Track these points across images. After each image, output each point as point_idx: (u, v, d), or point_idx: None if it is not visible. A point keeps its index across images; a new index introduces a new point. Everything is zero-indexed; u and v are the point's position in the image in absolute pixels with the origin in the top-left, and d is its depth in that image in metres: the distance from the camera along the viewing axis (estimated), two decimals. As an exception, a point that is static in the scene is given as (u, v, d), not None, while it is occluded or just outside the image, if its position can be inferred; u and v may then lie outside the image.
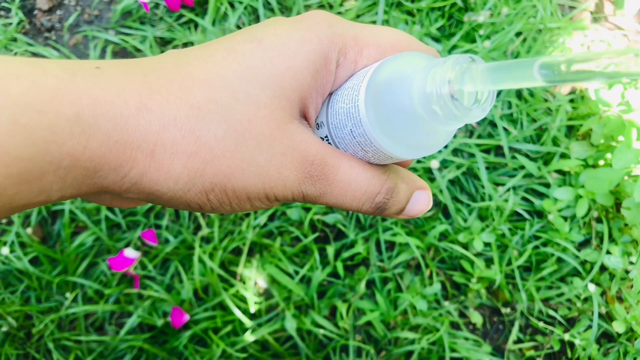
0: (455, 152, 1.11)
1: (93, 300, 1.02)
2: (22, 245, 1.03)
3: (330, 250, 1.03)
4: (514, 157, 1.11)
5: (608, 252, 1.05)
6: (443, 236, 1.08)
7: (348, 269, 1.06)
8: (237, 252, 1.04)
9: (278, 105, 0.27)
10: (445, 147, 1.10)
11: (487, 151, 1.12)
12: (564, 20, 1.21)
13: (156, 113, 0.25)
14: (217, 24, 1.14)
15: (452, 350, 1.01)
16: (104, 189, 0.25)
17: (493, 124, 1.13)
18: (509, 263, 1.06)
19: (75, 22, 1.16)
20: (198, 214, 1.05)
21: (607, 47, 1.22)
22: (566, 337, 1.03)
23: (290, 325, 0.98)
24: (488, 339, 1.07)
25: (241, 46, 0.28)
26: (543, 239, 1.08)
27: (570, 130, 1.14)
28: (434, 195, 1.08)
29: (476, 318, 1.05)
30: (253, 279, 1.03)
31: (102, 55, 1.14)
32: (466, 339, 1.04)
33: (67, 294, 1.01)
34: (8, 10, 1.15)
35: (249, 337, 0.98)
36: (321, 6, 1.16)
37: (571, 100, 1.16)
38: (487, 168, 1.11)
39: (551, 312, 1.06)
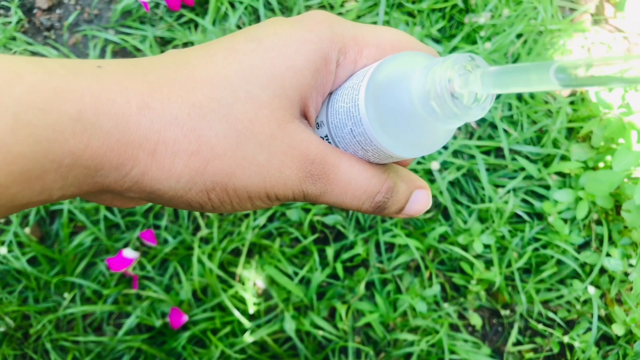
0: (456, 153, 1.11)
1: (91, 300, 1.01)
2: (20, 245, 1.03)
3: (330, 251, 1.03)
4: (514, 159, 1.11)
5: (608, 255, 1.05)
6: (443, 238, 1.07)
7: (347, 270, 1.06)
8: (237, 252, 1.04)
9: (279, 105, 0.27)
10: (446, 148, 1.10)
11: (487, 153, 1.12)
12: (565, 22, 1.21)
13: (158, 112, 0.25)
14: (218, 24, 1.14)
15: (452, 352, 1.01)
16: (105, 188, 0.25)
17: (493, 126, 1.13)
18: (509, 265, 1.06)
19: (75, 21, 1.16)
20: (197, 214, 1.05)
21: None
22: (565, 339, 1.03)
23: (289, 326, 0.98)
24: (487, 341, 1.06)
25: (242, 46, 0.28)
26: (543, 241, 1.07)
27: (571, 133, 1.14)
28: (434, 196, 1.07)
29: (475, 320, 1.05)
30: (252, 280, 1.02)
31: (101, 55, 1.13)
32: (465, 340, 1.04)
33: (65, 294, 1.01)
34: (7, 9, 1.15)
35: (247, 338, 0.98)
36: (322, 7, 1.16)
37: (572, 103, 1.16)
38: (487, 170, 1.11)
39: (551, 315, 1.06)
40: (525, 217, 1.09)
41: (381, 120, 0.27)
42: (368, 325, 1.03)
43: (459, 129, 1.13)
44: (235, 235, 1.03)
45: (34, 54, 1.11)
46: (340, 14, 1.15)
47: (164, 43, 1.15)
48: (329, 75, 0.29)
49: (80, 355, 0.99)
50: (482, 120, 1.13)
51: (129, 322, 0.99)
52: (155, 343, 1.00)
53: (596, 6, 1.25)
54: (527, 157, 1.12)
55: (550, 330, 1.05)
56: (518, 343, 1.06)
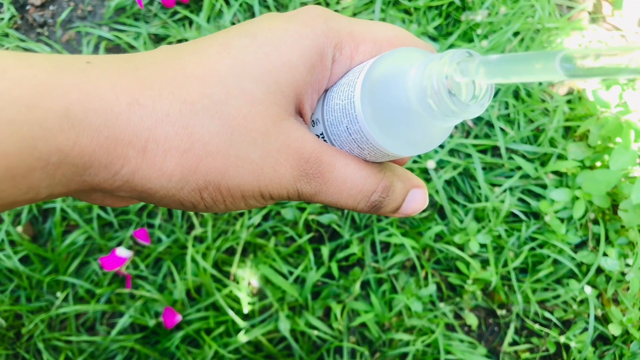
0: (452, 152, 1.11)
1: (84, 299, 1.01)
2: (12, 243, 1.02)
3: (325, 250, 1.03)
4: (510, 158, 1.10)
5: (604, 254, 1.05)
6: (439, 237, 1.07)
7: (343, 270, 1.05)
8: (231, 252, 1.03)
9: (273, 101, 0.27)
10: (442, 147, 1.09)
11: (483, 152, 1.12)
12: (562, 20, 1.21)
13: (148, 109, 0.24)
14: (212, 21, 1.13)
15: (447, 352, 1.00)
16: (94, 186, 0.25)
17: (490, 125, 1.13)
18: (505, 264, 1.06)
19: (68, 17, 1.15)
20: (191, 213, 1.04)
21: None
22: (562, 339, 1.03)
23: (284, 326, 0.98)
24: (483, 341, 1.06)
25: (235, 41, 0.27)
26: (539, 240, 1.07)
27: (568, 131, 1.14)
28: (430, 195, 1.07)
29: (471, 320, 1.05)
30: (247, 279, 1.02)
31: (95, 52, 1.12)
32: (461, 340, 1.04)
33: (58, 294, 1.00)
34: (0, 5, 1.14)
35: (242, 338, 0.98)
36: (318, 4, 1.15)
37: (568, 101, 1.16)
38: (484, 169, 1.11)
39: (547, 314, 1.06)
40: (522, 216, 1.09)
41: (377, 117, 0.26)
42: (363, 325, 1.02)
43: (456, 127, 1.12)
44: (230, 234, 1.02)
45: (26, 50, 1.10)
46: (336, 11, 1.14)
47: (158, 40, 1.14)
48: (325, 71, 0.29)
49: (72, 355, 0.98)
50: (479, 118, 1.12)
51: (122, 322, 0.98)
52: (149, 343, 1.00)
53: (594, 4, 1.25)
54: (523, 156, 1.12)
55: (546, 330, 1.05)
56: (514, 343, 1.06)
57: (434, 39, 1.16)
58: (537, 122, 1.13)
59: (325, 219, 1.04)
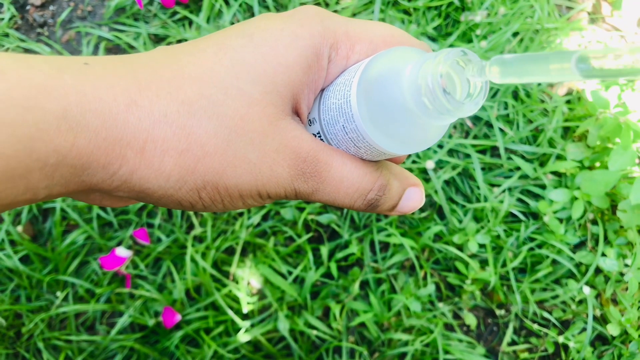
0: (451, 152, 1.11)
1: (84, 299, 1.01)
2: (13, 243, 1.02)
3: (324, 250, 1.03)
4: (509, 158, 1.11)
5: (603, 255, 1.05)
6: (438, 237, 1.07)
7: (342, 270, 1.05)
8: (230, 251, 1.04)
9: (270, 101, 0.27)
10: (441, 147, 1.09)
11: (482, 152, 1.12)
12: (561, 20, 1.21)
13: (146, 109, 0.25)
14: (212, 21, 1.14)
15: (446, 352, 1.01)
16: (92, 187, 0.25)
17: (489, 125, 1.13)
18: (504, 265, 1.06)
19: (68, 17, 1.15)
20: (191, 212, 1.04)
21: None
22: (560, 339, 1.03)
23: (283, 326, 0.98)
24: (482, 341, 1.06)
25: (233, 41, 0.27)
26: (538, 240, 1.07)
27: (567, 132, 1.14)
28: (429, 196, 1.07)
29: (470, 320, 1.05)
30: (246, 279, 1.02)
31: (95, 52, 1.12)
32: (460, 340, 1.04)
33: (58, 293, 1.00)
34: (0, 5, 1.14)
35: (241, 338, 0.98)
36: (317, 4, 1.15)
37: (568, 102, 1.16)
38: (483, 169, 1.11)
39: (546, 315, 1.06)
40: (521, 216, 1.09)
41: (373, 116, 0.26)
42: (362, 324, 1.02)
43: (455, 127, 1.12)
44: (229, 234, 1.03)
45: (26, 51, 1.10)
46: (335, 11, 1.14)
47: (157, 40, 1.14)
48: (321, 71, 0.29)
49: (72, 354, 0.98)
50: (478, 119, 1.12)
51: (122, 321, 0.98)
52: (148, 342, 1.00)
53: (593, 5, 1.25)
54: (522, 156, 1.12)
55: (545, 330, 1.05)
56: (513, 343, 1.06)
57: (433, 39, 1.16)
58: (536, 122, 1.13)
59: (324, 218, 1.04)
